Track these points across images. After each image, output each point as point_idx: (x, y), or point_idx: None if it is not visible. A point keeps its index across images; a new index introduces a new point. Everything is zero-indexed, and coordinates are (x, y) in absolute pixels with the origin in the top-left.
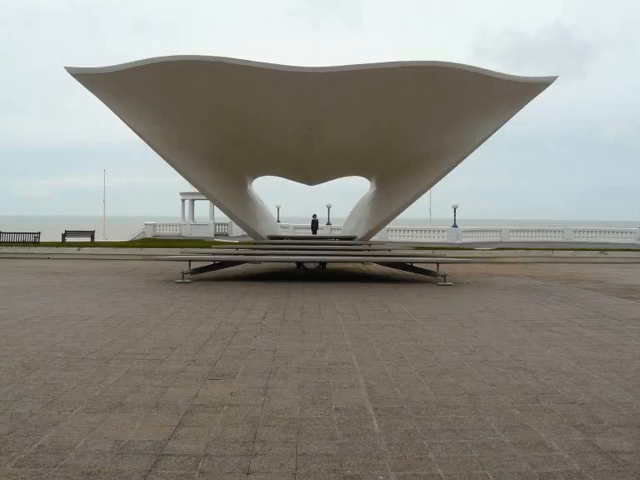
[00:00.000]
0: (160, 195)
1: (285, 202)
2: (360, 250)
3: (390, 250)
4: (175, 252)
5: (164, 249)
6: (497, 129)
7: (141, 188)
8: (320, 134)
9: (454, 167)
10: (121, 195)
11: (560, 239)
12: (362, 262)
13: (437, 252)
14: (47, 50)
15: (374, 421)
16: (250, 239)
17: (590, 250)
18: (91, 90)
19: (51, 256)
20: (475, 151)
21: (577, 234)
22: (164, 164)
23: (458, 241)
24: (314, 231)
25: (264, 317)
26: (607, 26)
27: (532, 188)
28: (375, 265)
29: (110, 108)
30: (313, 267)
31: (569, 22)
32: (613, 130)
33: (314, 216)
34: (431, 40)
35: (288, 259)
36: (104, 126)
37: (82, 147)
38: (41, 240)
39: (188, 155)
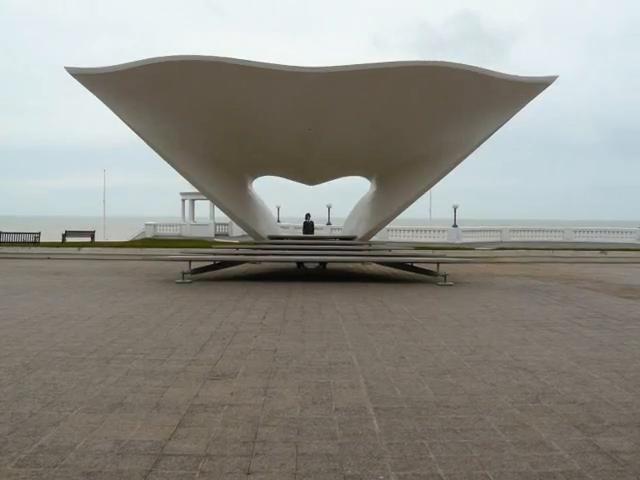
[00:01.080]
0: (160, 195)
1: (285, 202)
2: (360, 250)
3: (390, 250)
4: (175, 252)
5: (164, 249)
6: (497, 129)
7: (141, 188)
8: (320, 134)
9: (454, 167)
10: (121, 195)
11: (560, 239)
12: (362, 262)
13: (437, 252)
14: None
15: (374, 421)
16: (250, 239)
17: (590, 250)
18: (91, 90)
19: (51, 256)
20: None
21: (577, 234)
22: (164, 164)
23: (458, 241)
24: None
25: (264, 317)
26: (519, 13)
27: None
28: (375, 265)
29: (110, 108)
30: (313, 267)
31: (478, 10)
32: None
33: (307, 216)
34: (330, 34)
35: (288, 259)
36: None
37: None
38: (41, 240)
39: (188, 155)
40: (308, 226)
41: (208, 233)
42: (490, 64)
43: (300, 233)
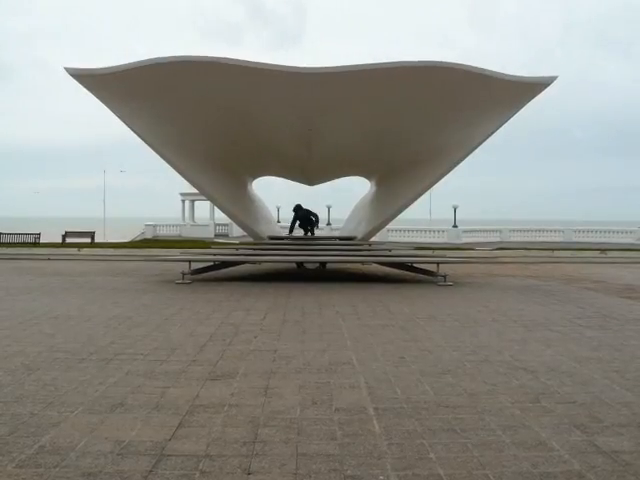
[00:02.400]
0: (160, 196)
1: (285, 202)
2: (360, 250)
3: (390, 250)
4: (175, 253)
5: (164, 250)
6: (496, 129)
7: (141, 189)
8: (320, 134)
9: (454, 167)
10: (121, 196)
11: (560, 239)
12: (362, 262)
13: (437, 252)
14: None
15: (374, 421)
16: (250, 239)
17: (590, 250)
18: (90, 91)
19: (51, 257)
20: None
21: (577, 234)
22: (164, 164)
23: (458, 241)
24: (308, 230)
25: (264, 317)
26: None
27: None
28: (375, 265)
29: (110, 109)
30: (313, 267)
31: None
32: None
33: (298, 208)
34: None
35: (288, 259)
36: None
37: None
38: (41, 241)
39: (188, 156)
40: (306, 222)
41: (208, 234)
42: (282, 50)
43: (300, 233)
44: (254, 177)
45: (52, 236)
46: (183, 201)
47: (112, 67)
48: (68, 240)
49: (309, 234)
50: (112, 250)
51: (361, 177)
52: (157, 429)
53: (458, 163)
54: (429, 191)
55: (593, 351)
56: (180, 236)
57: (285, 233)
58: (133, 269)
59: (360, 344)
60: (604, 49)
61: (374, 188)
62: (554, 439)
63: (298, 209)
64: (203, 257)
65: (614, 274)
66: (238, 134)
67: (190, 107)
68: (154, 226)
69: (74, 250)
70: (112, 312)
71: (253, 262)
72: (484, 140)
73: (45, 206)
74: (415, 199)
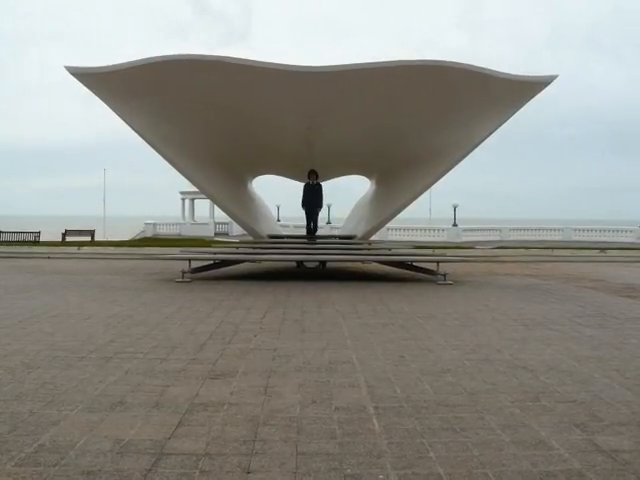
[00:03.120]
0: (160, 194)
1: (285, 201)
2: (360, 249)
3: (390, 249)
4: (175, 251)
5: (164, 248)
6: (497, 128)
7: (141, 187)
8: (320, 133)
9: (454, 166)
10: (120, 194)
11: (560, 238)
12: (362, 261)
13: (437, 251)
14: None
15: (374, 420)
16: (250, 238)
17: (590, 249)
18: (91, 89)
19: (51, 255)
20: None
21: (577, 233)
22: (164, 162)
23: (458, 240)
24: (312, 207)
25: (264, 316)
26: None
27: None
28: (375, 264)
29: (110, 107)
30: (313, 266)
31: None
32: None
33: (312, 175)
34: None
35: (288, 258)
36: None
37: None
38: (41, 239)
39: (188, 154)
40: (313, 193)
41: (208, 232)
42: (231, 45)
43: (300, 232)
44: (254, 175)
45: (52, 235)
46: (183, 200)
47: (113, 65)
48: (68, 239)
49: (312, 225)
50: (112, 249)
51: (361, 176)
52: (157, 428)
53: (458, 162)
54: (429, 190)
55: (593, 350)
56: (180, 235)
57: (285, 232)
58: (133, 267)
59: (360, 343)
60: (594, 52)
61: (374, 187)
62: (554, 438)
63: (306, 186)
64: (203, 256)
65: (614, 273)
66: (238, 133)
67: (190, 105)
68: (154, 225)
69: (74, 249)
70: (112, 310)
71: (253, 261)
72: (484, 139)
73: (44, 204)
74: (415, 198)
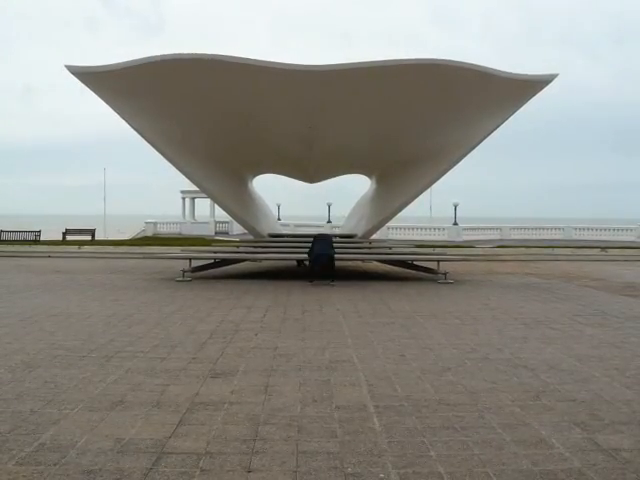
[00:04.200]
0: (160, 193)
1: (285, 200)
2: (361, 248)
3: (391, 248)
4: (175, 250)
5: (165, 247)
6: (497, 127)
7: (141, 186)
8: (320, 132)
9: (454, 165)
10: (121, 193)
11: (560, 237)
12: (363, 260)
13: (438, 250)
14: None
15: (375, 419)
16: (250, 237)
17: (590, 248)
18: (91, 88)
19: (52, 254)
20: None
21: (577, 232)
22: (164, 161)
23: (459, 239)
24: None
25: (265, 315)
26: None
27: None
28: (375, 263)
29: (111, 106)
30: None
31: None
32: None
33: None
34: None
35: (288, 257)
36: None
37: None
38: (42, 238)
39: (189, 153)
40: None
41: (208, 231)
42: (148, 40)
43: (300, 231)
44: (255, 175)
45: (52, 234)
46: (183, 199)
47: (113, 65)
48: (68, 238)
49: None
50: (112, 248)
51: (361, 175)
52: (157, 427)
53: (459, 161)
54: (430, 188)
55: (593, 349)
56: (180, 234)
57: (286, 231)
58: (133, 267)
59: (360, 342)
60: (569, 49)
61: (374, 186)
62: (554, 437)
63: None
64: (203, 255)
65: (614, 272)
66: (239, 132)
67: (191, 105)
68: (154, 224)
69: (74, 248)
70: (112, 309)
71: (253, 260)
72: (484, 138)
73: (45, 203)
74: (415, 197)
